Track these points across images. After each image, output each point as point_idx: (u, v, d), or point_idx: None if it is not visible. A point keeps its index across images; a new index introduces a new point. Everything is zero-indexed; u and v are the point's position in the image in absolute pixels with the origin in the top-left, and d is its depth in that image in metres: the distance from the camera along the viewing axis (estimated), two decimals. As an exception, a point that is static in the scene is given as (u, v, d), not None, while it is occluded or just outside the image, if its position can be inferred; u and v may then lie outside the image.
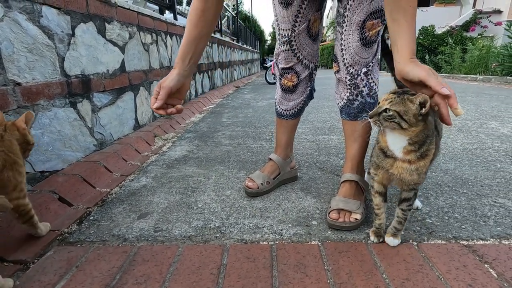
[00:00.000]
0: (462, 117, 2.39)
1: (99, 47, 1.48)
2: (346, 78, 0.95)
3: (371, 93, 0.95)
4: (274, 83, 6.46)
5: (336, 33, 0.95)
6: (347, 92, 0.97)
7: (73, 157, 1.25)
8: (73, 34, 1.28)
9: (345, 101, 0.99)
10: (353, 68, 0.93)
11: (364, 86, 0.94)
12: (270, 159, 1.16)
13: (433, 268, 0.70)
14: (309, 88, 1.11)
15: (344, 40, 0.92)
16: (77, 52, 1.31)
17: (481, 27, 10.43)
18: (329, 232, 0.86)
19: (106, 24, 1.55)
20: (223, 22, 6.50)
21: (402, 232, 0.81)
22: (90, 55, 1.40)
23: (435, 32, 10.44)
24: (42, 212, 0.92)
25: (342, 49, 0.93)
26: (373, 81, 0.93)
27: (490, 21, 10.34)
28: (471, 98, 3.50)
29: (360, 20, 0.87)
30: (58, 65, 1.19)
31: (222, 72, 5.14)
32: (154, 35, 2.20)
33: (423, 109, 0.61)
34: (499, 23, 9.81)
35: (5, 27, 0.96)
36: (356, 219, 0.86)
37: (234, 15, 8.94)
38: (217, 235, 0.86)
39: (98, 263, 0.75)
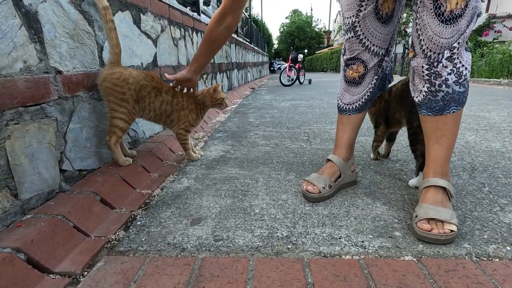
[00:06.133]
0: (506, 119, 2.24)
1: (134, 38, 1.39)
2: (422, 67, 0.81)
3: (461, 80, 0.79)
4: (289, 85, 6.40)
5: (413, 13, 0.83)
6: (425, 83, 0.83)
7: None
8: (111, 23, 1.19)
9: (424, 94, 0.84)
10: (431, 51, 0.78)
11: (449, 74, 0.78)
12: (329, 160, 1.05)
13: None
14: (376, 77, 0.99)
15: (419, 19, 0.79)
16: (115, 42, 1.21)
17: (495, 31, 10.19)
18: (421, 246, 0.73)
19: (141, 14, 1.45)
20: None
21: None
22: (126, 46, 1.30)
23: (449, 36, 10.24)
24: (85, 216, 0.82)
25: (417, 29, 0.80)
26: (462, 65, 0.78)
27: (504, 26, 10.10)
28: (505, 101, 3.34)
29: None
30: (97, 55, 1.09)
31: (238, 73, 5.06)
32: (182, 30, 2.10)
33: None
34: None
35: (48, 9, 0.86)
36: (452, 230, 0.73)
37: (247, 16, 8.90)
38: (289, 246, 0.74)
39: (159, 278, 0.63)
